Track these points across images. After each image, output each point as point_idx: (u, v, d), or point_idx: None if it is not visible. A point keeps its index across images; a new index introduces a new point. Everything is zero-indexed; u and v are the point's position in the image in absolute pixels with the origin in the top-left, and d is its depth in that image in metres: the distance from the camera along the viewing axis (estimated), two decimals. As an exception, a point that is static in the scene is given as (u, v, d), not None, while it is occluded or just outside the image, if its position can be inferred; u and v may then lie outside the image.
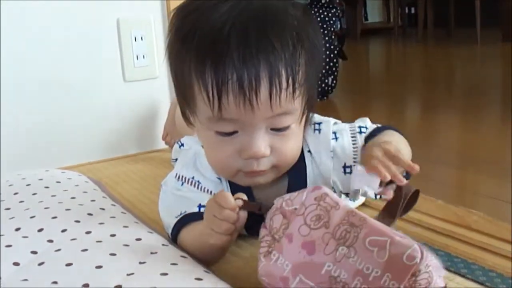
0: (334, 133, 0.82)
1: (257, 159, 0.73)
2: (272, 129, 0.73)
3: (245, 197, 0.68)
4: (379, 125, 0.84)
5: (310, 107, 0.77)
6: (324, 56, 2.25)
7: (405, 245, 0.55)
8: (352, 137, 0.82)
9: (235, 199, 0.67)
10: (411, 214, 1.02)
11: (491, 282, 0.76)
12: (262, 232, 0.65)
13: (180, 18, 0.74)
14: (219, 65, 0.68)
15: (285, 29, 0.70)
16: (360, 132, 0.82)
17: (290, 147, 0.75)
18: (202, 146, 0.82)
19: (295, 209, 0.62)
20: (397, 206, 0.65)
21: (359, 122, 0.84)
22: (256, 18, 0.69)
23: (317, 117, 0.84)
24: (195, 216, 0.77)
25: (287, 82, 0.69)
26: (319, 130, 0.83)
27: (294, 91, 0.70)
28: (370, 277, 0.55)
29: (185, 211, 0.80)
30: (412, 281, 0.55)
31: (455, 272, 0.79)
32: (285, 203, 0.64)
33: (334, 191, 0.83)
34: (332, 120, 0.84)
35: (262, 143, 0.72)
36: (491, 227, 0.93)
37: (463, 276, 0.78)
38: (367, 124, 0.84)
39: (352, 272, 0.56)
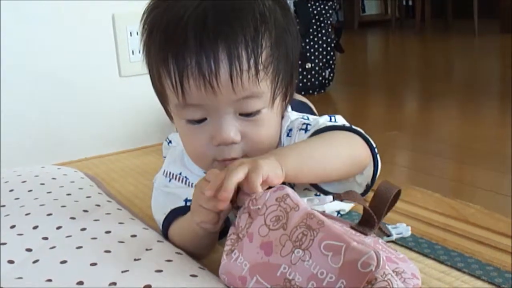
0: (290, 130, 0.79)
1: (228, 146, 0.72)
2: (241, 114, 0.72)
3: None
4: (339, 124, 0.77)
5: (284, 91, 0.76)
6: (321, 49, 2.25)
7: (360, 252, 0.53)
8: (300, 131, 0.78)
9: None
10: (408, 207, 1.02)
11: (487, 276, 0.76)
12: (230, 230, 0.65)
13: (149, 11, 0.75)
14: (179, 51, 0.68)
15: (246, 12, 0.70)
16: (303, 130, 0.78)
17: (263, 133, 0.74)
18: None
19: (258, 208, 0.62)
20: (380, 208, 0.63)
21: (321, 118, 0.79)
22: (216, 3, 0.69)
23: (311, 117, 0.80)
24: (182, 210, 0.77)
25: (248, 63, 0.69)
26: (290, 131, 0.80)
27: (257, 73, 0.70)
28: (324, 282, 0.54)
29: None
30: None
31: (451, 266, 0.79)
32: (251, 202, 0.63)
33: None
34: (309, 117, 0.80)
35: (232, 128, 0.71)
36: (488, 220, 0.93)
37: (459, 270, 0.78)
38: (321, 120, 0.78)
39: (306, 275, 0.55)
